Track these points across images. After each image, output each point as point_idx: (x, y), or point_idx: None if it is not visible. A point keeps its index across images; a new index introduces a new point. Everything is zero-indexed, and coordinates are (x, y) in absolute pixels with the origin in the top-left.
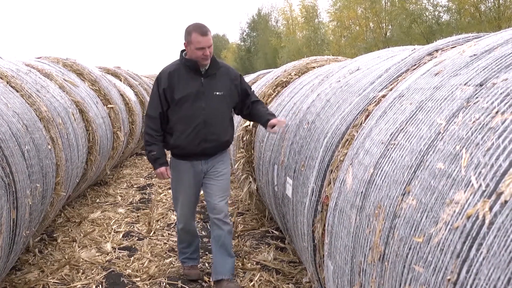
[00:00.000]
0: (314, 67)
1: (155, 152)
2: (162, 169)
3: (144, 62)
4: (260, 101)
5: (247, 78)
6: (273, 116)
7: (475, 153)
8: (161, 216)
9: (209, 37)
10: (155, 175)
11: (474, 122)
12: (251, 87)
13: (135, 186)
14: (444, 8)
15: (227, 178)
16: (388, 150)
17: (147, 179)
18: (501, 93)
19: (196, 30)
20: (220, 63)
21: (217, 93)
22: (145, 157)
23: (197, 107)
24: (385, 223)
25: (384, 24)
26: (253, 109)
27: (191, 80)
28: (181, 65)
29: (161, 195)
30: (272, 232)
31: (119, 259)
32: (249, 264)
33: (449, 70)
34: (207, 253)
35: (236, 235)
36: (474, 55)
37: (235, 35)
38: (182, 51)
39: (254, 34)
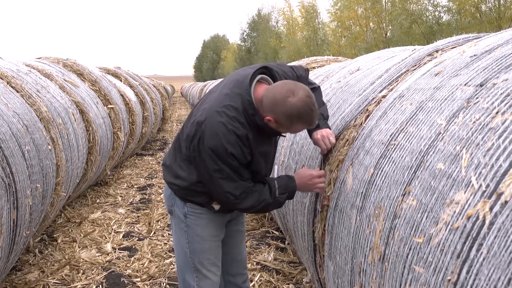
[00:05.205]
0: (314, 68)
1: (276, 185)
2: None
3: (144, 62)
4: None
5: None
6: (324, 120)
7: (475, 153)
8: (161, 216)
9: (316, 120)
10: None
11: (474, 122)
12: None
13: (135, 186)
14: (445, 9)
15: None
16: (388, 150)
17: (147, 180)
18: (501, 94)
19: (303, 120)
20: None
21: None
22: (145, 158)
23: (265, 172)
24: (385, 223)
25: (384, 25)
26: None
27: (265, 141)
28: (249, 124)
29: (161, 195)
30: (272, 232)
31: (119, 259)
32: (249, 265)
33: (449, 71)
34: None
35: None
36: (474, 55)
37: (235, 35)
38: (252, 78)
39: (255, 34)
